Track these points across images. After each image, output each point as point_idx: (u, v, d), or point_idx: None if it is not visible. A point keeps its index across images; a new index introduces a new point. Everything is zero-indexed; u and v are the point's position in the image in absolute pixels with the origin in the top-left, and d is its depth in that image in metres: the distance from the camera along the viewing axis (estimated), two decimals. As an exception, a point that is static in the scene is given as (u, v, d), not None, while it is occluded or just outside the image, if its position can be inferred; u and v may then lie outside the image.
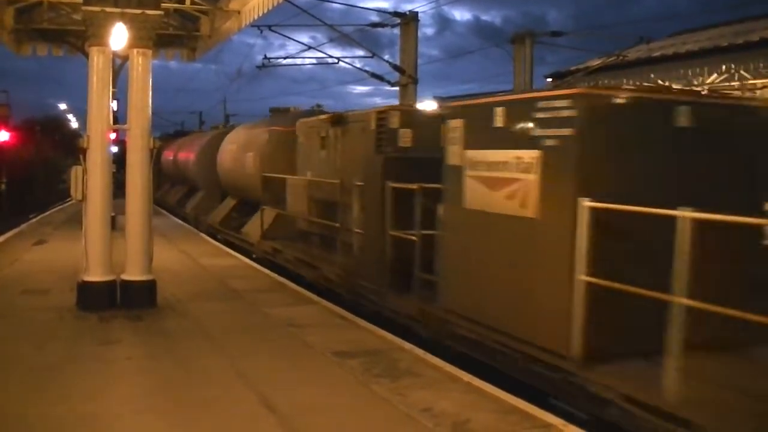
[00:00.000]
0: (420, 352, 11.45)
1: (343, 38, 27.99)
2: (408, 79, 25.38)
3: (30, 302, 14.69)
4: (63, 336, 12.07)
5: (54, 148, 72.08)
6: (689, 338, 7.57)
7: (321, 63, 31.47)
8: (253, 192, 25.09)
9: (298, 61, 33.17)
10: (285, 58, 33.36)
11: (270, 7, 16.01)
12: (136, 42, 13.81)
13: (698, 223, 7.50)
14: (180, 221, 34.18)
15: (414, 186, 12.77)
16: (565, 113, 9.20)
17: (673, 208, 7.66)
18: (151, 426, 8.15)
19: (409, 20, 25.32)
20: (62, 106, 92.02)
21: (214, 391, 9.34)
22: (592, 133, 9.03)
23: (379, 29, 26.78)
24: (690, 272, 7.52)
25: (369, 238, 14.96)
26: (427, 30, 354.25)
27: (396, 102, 26.37)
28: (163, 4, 14.39)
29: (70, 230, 24.84)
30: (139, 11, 13.71)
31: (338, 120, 17.48)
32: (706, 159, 9.35)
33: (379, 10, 25.98)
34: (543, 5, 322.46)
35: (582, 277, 8.71)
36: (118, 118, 23.14)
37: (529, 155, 9.72)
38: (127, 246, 14.24)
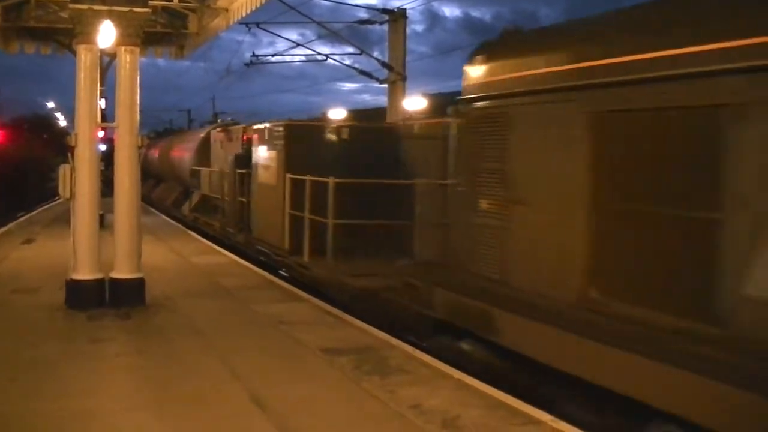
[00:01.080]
0: (410, 349, 11.46)
1: (331, 35, 27.97)
2: (396, 76, 25.41)
3: (19, 301, 14.67)
4: (52, 334, 12.05)
5: (43, 147, 71.84)
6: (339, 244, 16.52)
7: (310, 60, 31.55)
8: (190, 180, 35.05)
9: (287, 58, 33.28)
10: (273, 55, 33.50)
11: (258, 5, 15.98)
12: (123, 40, 13.77)
13: (338, 183, 16.33)
14: (170, 219, 34.12)
15: (244, 171, 22.97)
16: (283, 133, 19.18)
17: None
18: (140, 422, 8.14)
19: (397, 17, 25.34)
20: (50, 105, 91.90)
21: (204, 387, 9.33)
22: (291, 142, 18.85)
23: (369, 26, 26.77)
24: (334, 207, 16.29)
25: (229, 203, 25.22)
26: (416, 26, 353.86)
27: (385, 98, 26.42)
28: (150, 2, 14.34)
29: (59, 229, 24.78)
30: (126, 9, 13.66)
31: (226, 130, 28.80)
32: (357, 154, 17.87)
33: (367, 7, 26.04)
34: (535, 1, 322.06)
35: (288, 211, 18.26)
36: (107, 116, 23.13)
37: (275, 154, 19.62)
38: (115, 244, 14.21)
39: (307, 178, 17.11)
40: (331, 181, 16.26)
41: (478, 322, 10.12)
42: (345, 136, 18.76)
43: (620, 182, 8.16)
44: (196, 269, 19.29)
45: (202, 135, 35.66)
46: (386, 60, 25.94)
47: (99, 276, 13.96)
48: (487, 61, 10.91)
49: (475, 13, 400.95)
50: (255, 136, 21.82)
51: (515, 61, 10.36)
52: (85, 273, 13.81)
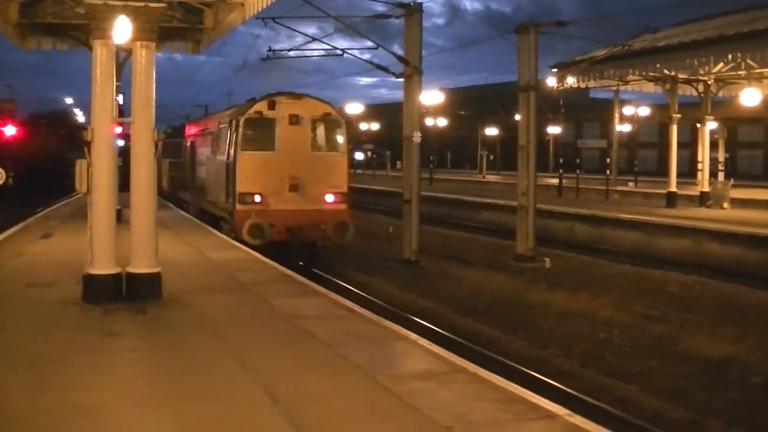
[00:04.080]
0: (425, 342, 11.47)
1: (348, 29, 27.91)
2: (412, 71, 25.33)
3: (35, 294, 14.74)
4: (67, 328, 12.12)
5: (60, 142, 72.14)
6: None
7: (327, 55, 31.51)
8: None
9: (304, 52, 33.20)
10: (290, 50, 33.41)
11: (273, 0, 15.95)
12: (139, 35, 13.78)
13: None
14: (186, 214, 34.22)
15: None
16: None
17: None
18: (153, 416, 8.18)
19: (413, 11, 25.23)
20: (68, 100, 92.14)
21: (218, 381, 9.36)
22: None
23: (388, 20, 26.69)
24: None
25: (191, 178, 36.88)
26: (436, 20, 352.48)
27: (400, 93, 26.37)
28: (165, -3, 14.35)
29: (77, 223, 24.83)
30: (141, 4, 13.67)
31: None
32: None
33: (384, 1, 25.80)
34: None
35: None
36: (124, 111, 23.16)
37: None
38: (131, 238, 14.24)
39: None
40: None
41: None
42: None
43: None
44: (212, 264, 19.33)
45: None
46: (403, 54, 25.86)
47: (115, 270, 13.98)
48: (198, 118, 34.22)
49: (495, 5, 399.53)
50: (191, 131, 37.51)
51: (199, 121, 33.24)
52: (101, 267, 13.83)
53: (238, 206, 24.49)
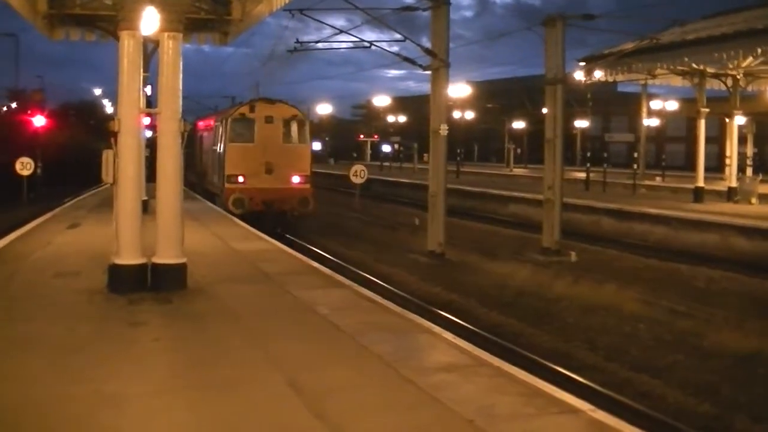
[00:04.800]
0: (449, 335, 11.46)
1: (376, 21, 27.84)
2: (439, 63, 25.23)
3: (61, 284, 14.84)
4: (92, 317, 12.20)
5: (88, 133, 72.55)
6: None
7: (355, 47, 31.48)
8: None
9: (332, 45, 33.19)
10: (317, 42, 33.46)
11: (300, -9, 15.98)
12: (166, 26, 13.82)
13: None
14: (213, 205, 34.36)
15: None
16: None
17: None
18: (175, 406, 8.22)
19: (440, 3, 25.13)
20: (97, 91, 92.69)
21: (241, 372, 9.39)
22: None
23: (417, 12, 26.60)
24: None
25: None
26: (465, 12, 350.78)
27: (428, 85, 26.32)
28: (193, -12, 14.40)
29: (104, 214, 24.99)
30: (168, -5, 13.72)
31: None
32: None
33: (413, -7, 25.74)
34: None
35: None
36: (152, 102, 23.24)
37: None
38: (157, 229, 14.29)
39: None
40: None
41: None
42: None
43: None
44: (237, 255, 19.39)
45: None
46: (430, 47, 25.78)
47: (141, 261, 14.04)
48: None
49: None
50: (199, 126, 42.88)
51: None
52: (127, 258, 13.90)
53: (226, 185, 31.74)
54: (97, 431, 7.56)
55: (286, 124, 32.80)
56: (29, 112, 51.35)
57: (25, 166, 42.08)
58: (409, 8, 26.57)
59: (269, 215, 30.83)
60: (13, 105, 66.37)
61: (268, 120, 32.22)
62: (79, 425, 7.65)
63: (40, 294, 13.98)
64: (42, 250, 19.23)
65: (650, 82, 44.09)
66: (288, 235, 29.25)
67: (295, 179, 32.13)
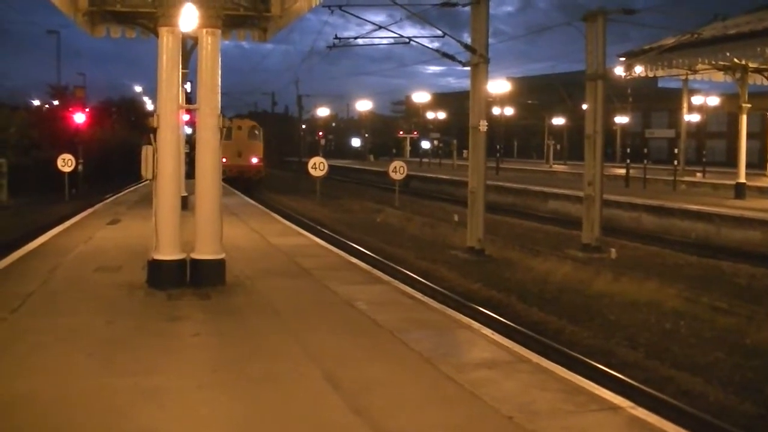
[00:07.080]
0: (489, 332, 11.41)
1: (416, 17, 27.80)
2: (479, 59, 25.11)
3: (102, 278, 14.97)
4: (133, 312, 12.28)
5: (129, 129, 73.16)
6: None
7: (394, 43, 31.43)
8: None
9: (371, 41, 33.21)
10: (356, 38, 33.44)
11: (340, -14, 15.97)
12: (205, 22, 13.88)
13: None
14: (251, 200, 34.47)
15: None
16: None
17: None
18: (214, 400, 8.23)
19: (480, -1, 25.01)
20: (138, 88, 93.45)
21: (280, 367, 9.40)
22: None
23: (457, 7, 26.50)
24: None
25: None
26: (507, 7, 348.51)
27: (468, 82, 26.23)
28: (232, -16, 14.45)
29: (143, 209, 25.20)
30: (207, -9, 13.76)
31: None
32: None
33: (452, -11, 25.61)
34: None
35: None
36: (191, 99, 23.35)
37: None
38: (196, 225, 14.35)
39: None
40: None
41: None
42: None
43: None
44: (276, 249, 19.44)
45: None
46: (470, 42, 25.66)
47: (180, 256, 14.11)
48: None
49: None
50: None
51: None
52: (166, 253, 13.97)
53: None
54: (138, 423, 7.59)
55: (249, 130, 55.74)
56: (70, 109, 51.69)
57: (66, 163, 42.49)
58: (449, 4, 26.42)
59: (239, 180, 49.30)
60: (55, 102, 66.89)
61: (238, 127, 54.86)
62: (121, 417, 7.69)
63: (81, 288, 14.11)
64: (83, 245, 19.42)
65: (691, 77, 43.70)
66: (326, 231, 29.99)
67: (254, 160, 54.26)
